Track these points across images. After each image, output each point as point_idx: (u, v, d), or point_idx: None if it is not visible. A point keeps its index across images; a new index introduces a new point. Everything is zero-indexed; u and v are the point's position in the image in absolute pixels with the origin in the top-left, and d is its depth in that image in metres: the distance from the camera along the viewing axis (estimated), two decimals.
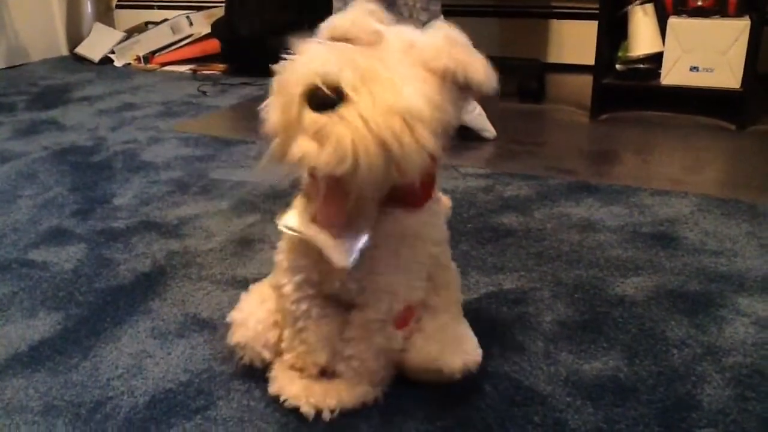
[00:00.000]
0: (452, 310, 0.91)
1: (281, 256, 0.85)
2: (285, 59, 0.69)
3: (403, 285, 0.81)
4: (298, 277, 0.83)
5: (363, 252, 0.76)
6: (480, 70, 0.71)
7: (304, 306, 0.84)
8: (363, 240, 0.76)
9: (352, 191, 0.70)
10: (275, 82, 0.69)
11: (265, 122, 0.70)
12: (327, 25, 0.75)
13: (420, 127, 0.66)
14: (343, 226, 0.75)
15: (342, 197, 0.71)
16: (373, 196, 0.73)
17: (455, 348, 0.85)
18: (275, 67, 0.70)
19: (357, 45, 0.72)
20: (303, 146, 0.66)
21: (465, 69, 0.70)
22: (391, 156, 0.65)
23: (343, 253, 0.75)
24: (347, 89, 0.64)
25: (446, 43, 0.71)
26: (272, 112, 0.69)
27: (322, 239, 0.75)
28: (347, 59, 0.66)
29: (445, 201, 0.94)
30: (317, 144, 0.66)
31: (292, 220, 0.78)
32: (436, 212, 0.85)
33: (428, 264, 0.84)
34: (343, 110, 0.64)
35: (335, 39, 0.73)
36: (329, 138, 0.65)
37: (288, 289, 0.84)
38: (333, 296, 0.84)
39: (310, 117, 0.66)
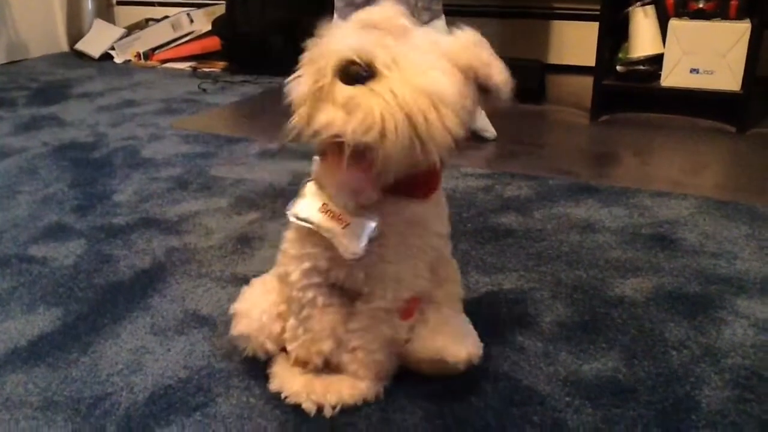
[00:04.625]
0: (454, 304, 0.92)
1: (287, 245, 0.85)
2: (316, 39, 0.72)
3: (409, 274, 0.82)
4: (305, 265, 0.83)
5: (372, 240, 0.77)
6: (500, 73, 0.75)
7: (310, 294, 0.84)
8: (372, 227, 0.77)
9: (375, 164, 0.70)
10: (307, 56, 0.72)
11: (291, 93, 0.72)
12: (358, 16, 0.78)
13: (445, 109, 0.69)
14: (367, 192, 0.76)
15: (364, 168, 0.72)
16: (388, 179, 0.74)
17: (459, 340, 0.85)
18: (307, 43, 0.73)
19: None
20: (330, 114, 0.69)
21: (487, 69, 0.74)
22: (417, 132, 0.68)
23: (353, 241, 0.76)
24: (380, 66, 0.68)
25: (471, 43, 0.74)
26: (301, 82, 0.71)
27: (332, 228, 0.77)
28: (379, 41, 0.70)
29: None
30: (345, 113, 0.68)
31: (302, 209, 0.79)
32: (441, 204, 0.86)
33: (432, 255, 0.84)
34: (375, 84, 0.67)
35: (365, 27, 0.76)
36: (358, 108, 0.67)
37: (295, 276, 0.84)
38: (338, 286, 0.84)
39: (341, 89, 0.69)
